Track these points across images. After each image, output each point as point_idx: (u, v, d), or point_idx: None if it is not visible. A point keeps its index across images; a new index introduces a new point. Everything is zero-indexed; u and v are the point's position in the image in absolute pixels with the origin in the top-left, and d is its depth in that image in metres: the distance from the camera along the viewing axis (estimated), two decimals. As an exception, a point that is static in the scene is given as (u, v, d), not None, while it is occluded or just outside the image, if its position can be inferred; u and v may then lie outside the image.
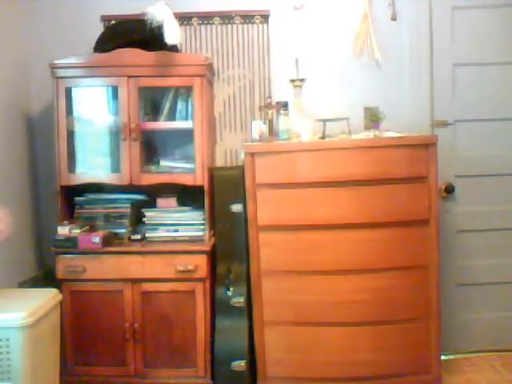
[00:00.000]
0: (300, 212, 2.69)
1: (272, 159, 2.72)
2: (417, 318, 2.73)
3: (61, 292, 2.71)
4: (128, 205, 2.98)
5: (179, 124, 2.93)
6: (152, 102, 2.99)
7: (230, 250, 2.88)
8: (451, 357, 3.19)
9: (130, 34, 2.89)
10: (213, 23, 3.19)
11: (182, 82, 2.87)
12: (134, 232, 2.95)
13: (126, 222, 2.95)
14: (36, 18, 3.18)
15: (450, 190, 3.17)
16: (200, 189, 2.85)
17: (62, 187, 2.87)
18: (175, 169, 2.96)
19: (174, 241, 2.88)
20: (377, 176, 2.67)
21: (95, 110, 2.99)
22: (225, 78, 3.22)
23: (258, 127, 2.93)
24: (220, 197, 2.87)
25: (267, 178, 2.72)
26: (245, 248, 2.83)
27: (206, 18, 3.18)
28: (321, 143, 2.77)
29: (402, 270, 2.70)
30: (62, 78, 2.83)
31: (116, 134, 2.89)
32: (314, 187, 2.69)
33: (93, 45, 2.92)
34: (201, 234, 2.89)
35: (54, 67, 2.83)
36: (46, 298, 2.53)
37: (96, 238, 2.76)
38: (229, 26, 3.19)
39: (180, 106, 2.93)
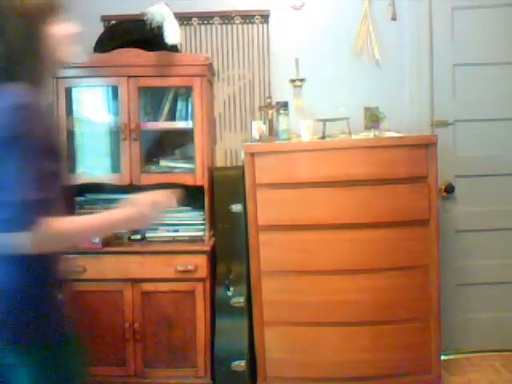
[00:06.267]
0: (300, 212, 2.69)
1: (272, 159, 2.72)
2: (417, 317, 2.73)
3: (61, 292, 2.71)
4: (128, 205, 2.97)
5: (179, 124, 2.94)
6: (152, 102, 2.99)
7: (229, 250, 2.88)
8: (451, 357, 3.19)
9: (130, 34, 2.89)
10: (213, 23, 3.19)
11: (182, 82, 2.87)
12: (134, 232, 2.95)
13: (125, 222, 2.95)
14: (36, 18, 3.18)
15: (449, 189, 3.17)
16: (200, 189, 2.85)
17: (61, 187, 2.86)
18: (175, 169, 2.96)
19: (174, 241, 2.88)
20: (377, 176, 2.67)
21: (95, 109, 3.00)
22: (225, 78, 3.22)
23: (258, 127, 2.93)
24: (220, 197, 2.87)
25: (267, 177, 2.72)
26: (245, 248, 2.83)
27: (205, 18, 3.18)
28: (321, 143, 2.77)
29: (402, 270, 2.70)
30: (61, 78, 2.83)
31: (116, 134, 2.89)
32: (313, 187, 2.69)
33: (93, 45, 2.92)
34: (201, 233, 2.89)
35: (53, 67, 2.82)
36: (46, 298, 2.53)
37: (96, 238, 2.76)
38: (229, 26, 3.19)
39: (180, 106, 2.93)
